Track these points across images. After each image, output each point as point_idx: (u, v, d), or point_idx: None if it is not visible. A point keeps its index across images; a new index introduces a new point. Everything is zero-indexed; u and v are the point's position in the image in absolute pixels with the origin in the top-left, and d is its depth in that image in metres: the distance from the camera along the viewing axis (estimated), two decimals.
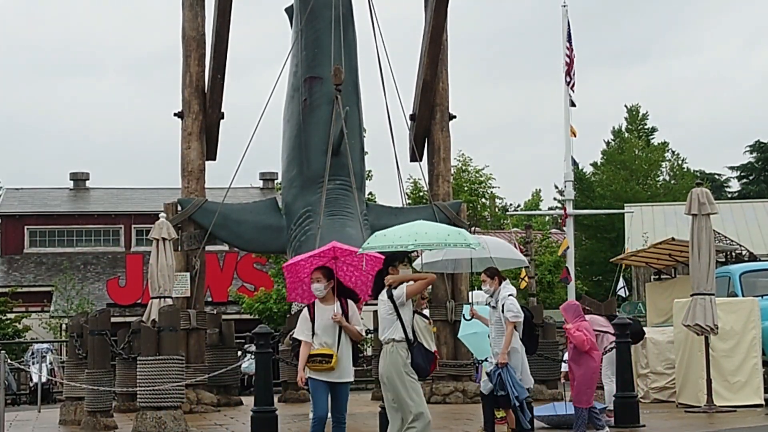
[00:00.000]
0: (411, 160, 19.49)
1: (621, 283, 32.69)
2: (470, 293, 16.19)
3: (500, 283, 11.48)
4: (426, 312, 10.26)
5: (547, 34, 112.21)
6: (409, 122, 19.28)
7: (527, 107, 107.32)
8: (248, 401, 16.65)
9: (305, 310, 10.07)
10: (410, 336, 9.39)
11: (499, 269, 11.76)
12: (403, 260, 9.84)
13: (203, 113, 18.41)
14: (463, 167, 44.17)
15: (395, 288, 9.51)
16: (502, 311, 11.24)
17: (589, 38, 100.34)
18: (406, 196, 27.58)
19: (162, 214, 16.97)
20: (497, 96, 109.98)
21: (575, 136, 34.87)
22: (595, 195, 52.87)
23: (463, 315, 12.68)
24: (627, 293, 34.82)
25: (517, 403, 10.95)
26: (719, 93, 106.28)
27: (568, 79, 33.37)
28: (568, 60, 33.41)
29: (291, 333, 12.66)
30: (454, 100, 19.27)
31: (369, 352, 19.55)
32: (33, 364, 30.02)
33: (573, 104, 34.27)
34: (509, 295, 11.27)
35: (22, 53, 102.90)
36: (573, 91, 33.62)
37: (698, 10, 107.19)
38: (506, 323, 11.19)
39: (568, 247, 34.53)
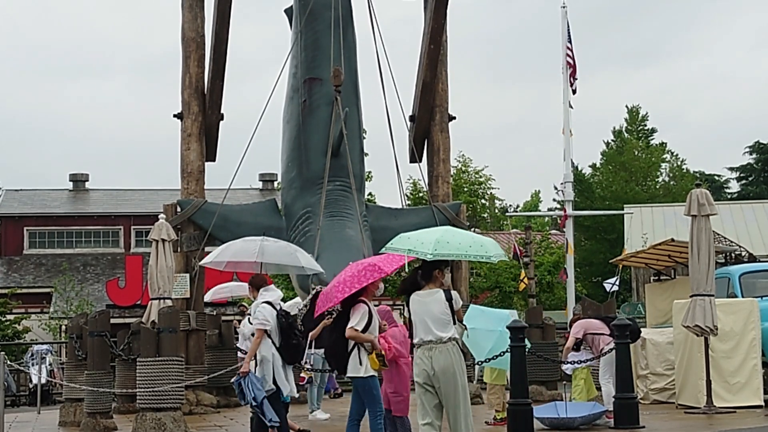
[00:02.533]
0: (410, 161, 19.50)
1: (612, 279, 32.51)
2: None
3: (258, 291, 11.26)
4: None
5: (548, 36, 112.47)
6: (408, 123, 19.29)
7: (527, 108, 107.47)
8: None
9: (365, 305, 10.08)
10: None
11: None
12: (448, 265, 9.83)
13: (203, 114, 18.41)
14: (463, 168, 44.13)
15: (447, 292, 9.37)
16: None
17: (595, 40, 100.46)
18: (406, 197, 27.59)
19: (161, 216, 16.96)
20: (497, 97, 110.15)
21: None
22: (594, 196, 52.82)
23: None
24: (617, 287, 34.65)
25: (255, 404, 10.82)
26: (721, 95, 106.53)
27: (571, 81, 33.21)
28: (567, 61, 33.27)
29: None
30: (454, 101, 19.33)
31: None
32: (32, 365, 30.01)
33: (570, 106, 34.16)
34: (263, 302, 10.98)
35: (21, 55, 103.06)
36: (574, 93, 33.46)
37: (703, 13, 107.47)
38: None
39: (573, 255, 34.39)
